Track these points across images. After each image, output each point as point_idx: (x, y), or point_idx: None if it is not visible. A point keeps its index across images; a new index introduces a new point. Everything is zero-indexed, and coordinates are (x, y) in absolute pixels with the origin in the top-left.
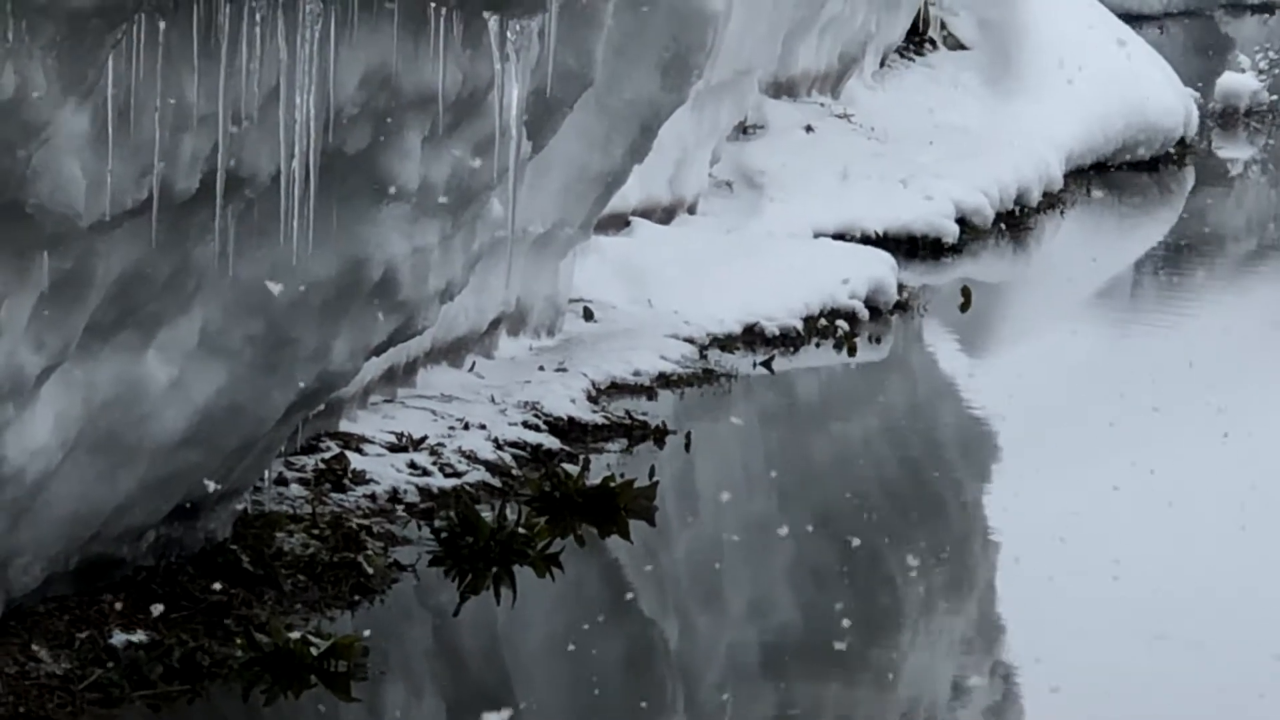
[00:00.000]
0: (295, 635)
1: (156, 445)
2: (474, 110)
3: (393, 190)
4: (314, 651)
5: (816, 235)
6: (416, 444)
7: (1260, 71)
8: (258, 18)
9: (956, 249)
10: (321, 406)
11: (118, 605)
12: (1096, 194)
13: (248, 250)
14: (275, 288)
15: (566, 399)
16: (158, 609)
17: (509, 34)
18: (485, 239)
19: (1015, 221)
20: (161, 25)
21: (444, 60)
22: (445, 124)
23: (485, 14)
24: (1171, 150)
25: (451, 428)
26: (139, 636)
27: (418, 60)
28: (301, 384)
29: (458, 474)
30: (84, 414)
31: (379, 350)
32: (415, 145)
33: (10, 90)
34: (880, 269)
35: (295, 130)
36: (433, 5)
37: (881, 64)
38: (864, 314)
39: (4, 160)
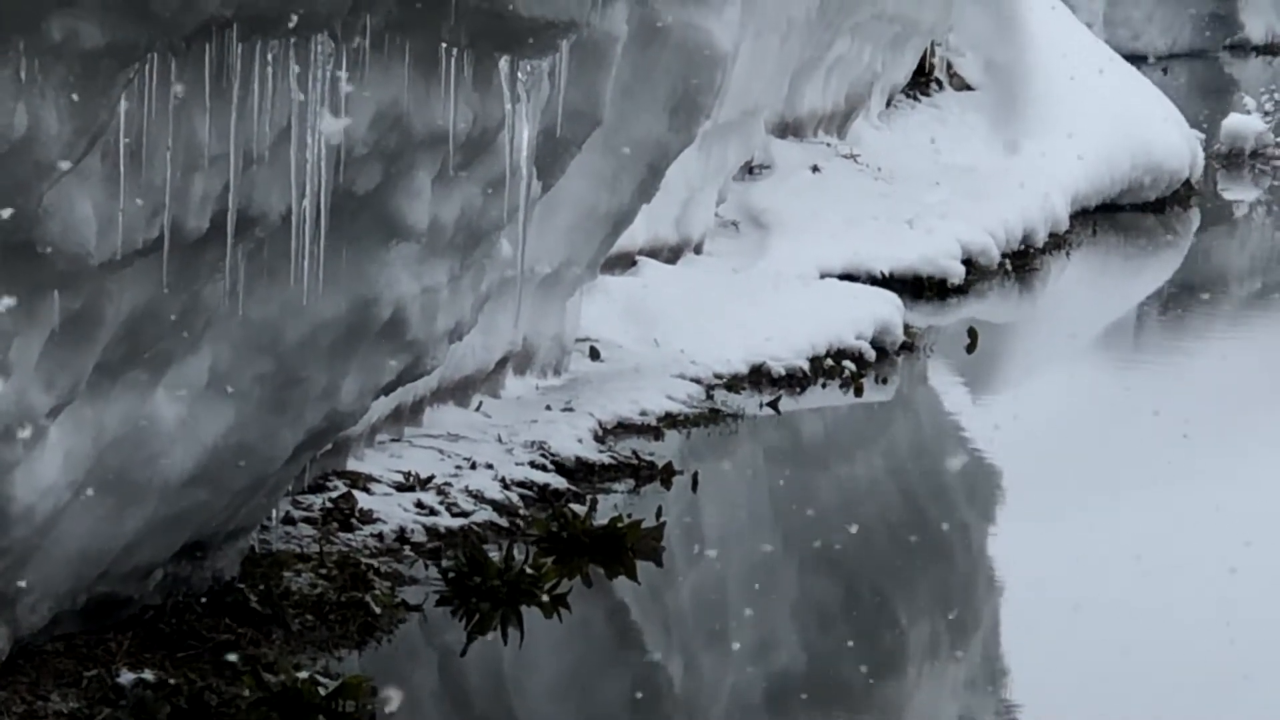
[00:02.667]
0: (303, 675)
1: (165, 484)
2: (484, 150)
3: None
4: (322, 691)
5: (823, 275)
6: (424, 483)
7: (1265, 113)
8: (270, 57)
9: (962, 289)
10: (329, 445)
11: (125, 644)
12: (1102, 235)
13: (257, 290)
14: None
15: (573, 439)
16: (164, 648)
17: (520, 74)
18: (494, 279)
19: (1021, 262)
20: (173, 65)
21: (455, 100)
22: (455, 164)
23: (496, 54)
24: (1177, 191)
25: (458, 467)
26: (147, 675)
27: (429, 100)
28: (310, 423)
29: (465, 514)
30: (93, 453)
31: (388, 390)
32: (425, 185)
33: (22, 130)
34: (886, 309)
35: (306, 170)
36: (444, 46)
37: (888, 104)
38: (870, 354)
39: (16, 200)
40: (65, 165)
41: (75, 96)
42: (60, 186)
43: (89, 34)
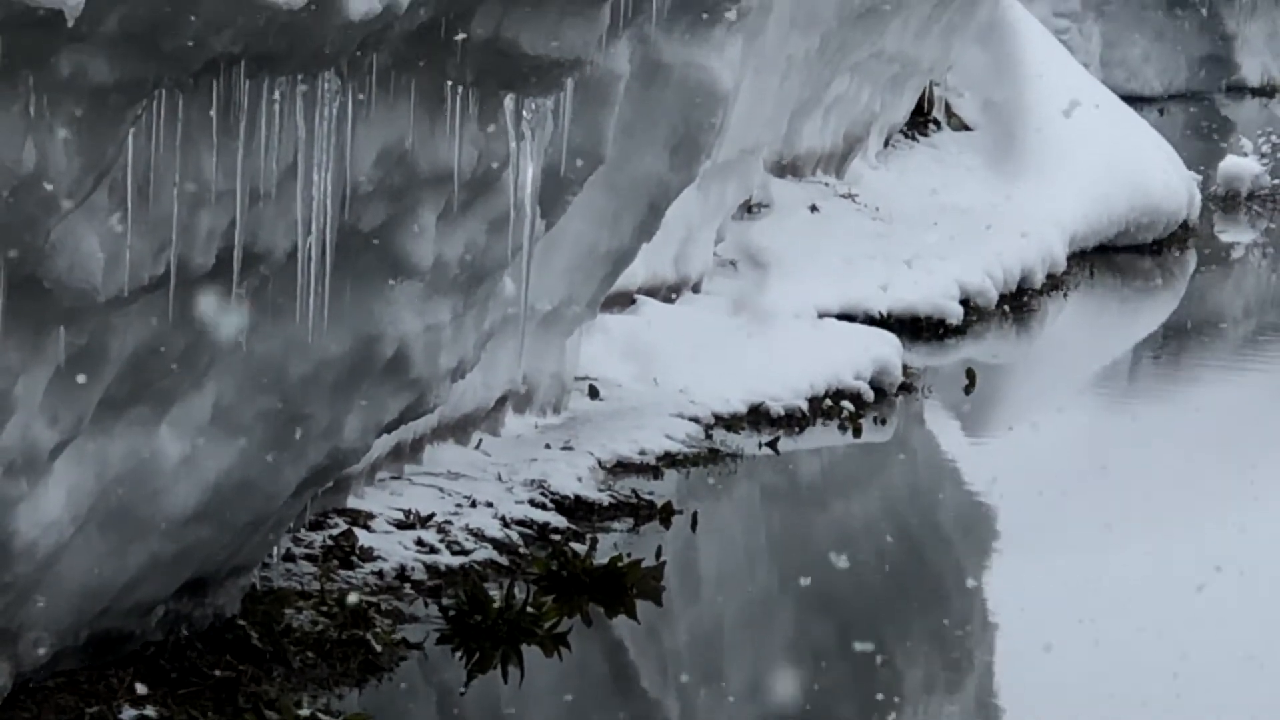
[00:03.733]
0: (304, 712)
1: (167, 520)
2: (488, 188)
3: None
4: None
5: (821, 315)
6: (424, 521)
7: (1262, 155)
8: (276, 95)
9: (960, 330)
10: (330, 483)
11: (126, 681)
12: (1099, 276)
13: (262, 326)
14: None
15: (573, 477)
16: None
17: (525, 112)
18: (497, 317)
19: (1019, 303)
20: (181, 102)
21: (460, 138)
22: (460, 202)
23: (501, 93)
24: (1174, 233)
25: (459, 505)
26: (148, 712)
27: (434, 138)
28: (313, 461)
29: (465, 552)
30: (96, 489)
31: (390, 427)
32: (430, 223)
33: (30, 165)
34: (885, 350)
35: (312, 207)
36: (449, 84)
37: (886, 144)
38: (869, 395)
39: (23, 235)
40: (72, 201)
41: (83, 132)
42: (67, 222)
43: (98, 70)
